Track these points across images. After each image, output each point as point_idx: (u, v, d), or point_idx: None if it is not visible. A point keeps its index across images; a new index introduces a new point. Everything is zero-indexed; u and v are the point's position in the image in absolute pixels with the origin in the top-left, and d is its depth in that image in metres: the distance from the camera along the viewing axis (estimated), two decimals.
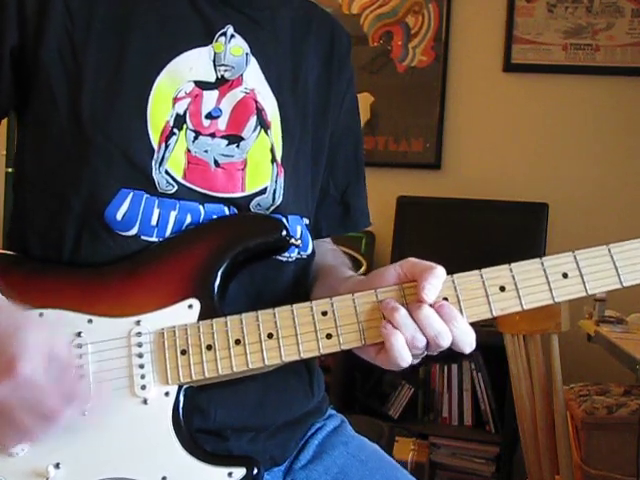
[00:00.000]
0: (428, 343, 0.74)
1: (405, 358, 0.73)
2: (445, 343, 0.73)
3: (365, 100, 2.85)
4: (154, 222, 0.82)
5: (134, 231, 0.81)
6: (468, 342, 0.74)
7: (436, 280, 0.74)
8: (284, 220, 0.88)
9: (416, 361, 0.76)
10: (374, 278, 0.80)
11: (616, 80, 2.68)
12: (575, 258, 0.76)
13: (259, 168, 0.88)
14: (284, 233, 0.83)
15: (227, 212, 0.86)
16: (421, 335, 0.73)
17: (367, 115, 2.86)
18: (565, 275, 0.75)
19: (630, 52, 2.68)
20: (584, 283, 0.75)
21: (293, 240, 0.85)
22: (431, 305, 0.74)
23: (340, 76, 1.01)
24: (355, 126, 1.07)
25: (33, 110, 0.84)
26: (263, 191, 0.88)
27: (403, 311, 0.74)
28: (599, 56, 2.70)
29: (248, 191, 0.87)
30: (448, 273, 0.77)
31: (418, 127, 2.85)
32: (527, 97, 2.76)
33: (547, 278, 0.75)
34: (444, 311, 0.74)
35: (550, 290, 0.75)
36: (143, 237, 0.82)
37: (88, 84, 0.81)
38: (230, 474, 0.75)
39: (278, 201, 0.88)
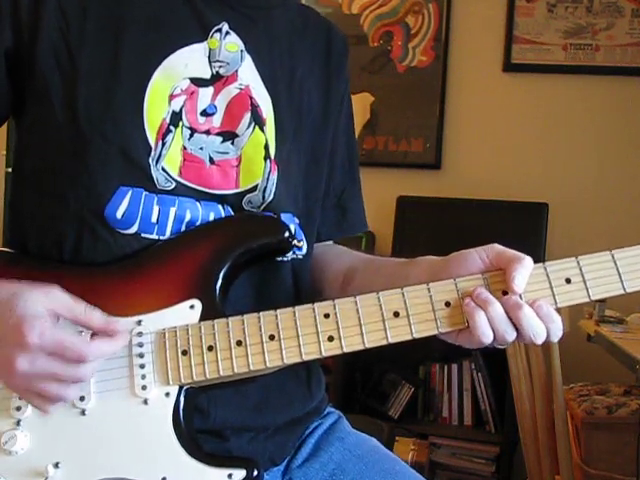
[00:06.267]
0: (517, 337, 0.74)
1: (488, 335, 0.73)
2: (540, 341, 0.74)
3: (365, 100, 2.83)
4: (154, 219, 0.82)
5: (134, 229, 0.81)
6: (558, 335, 0.75)
7: (526, 271, 0.74)
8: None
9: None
10: (454, 264, 0.79)
11: (616, 80, 2.68)
12: (578, 263, 0.75)
13: (252, 165, 0.87)
14: (287, 234, 0.83)
15: (221, 209, 0.86)
16: (512, 330, 0.73)
17: (367, 115, 2.84)
18: (568, 280, 0.75)
19: (630, 52, 2.67)
20: (587, 289, 0.75)
21: (296, 242, 0.85)
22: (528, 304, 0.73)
23: (339, 78, 1.01)
24: (351, 129, 1.07)
25: (30, 111, 0.84)
26: (254, 188, 0.87)
27: (498, 306, 0.73)
28: (599, 56, 2.69)
29: (241, 188, 0.87)
30: None
31: (418, 127, 2.84)
32: (527, 97, 2.76)
33: (550, 283, 0.75)
34: (543, 312, 0.73)
35: (553, 295, 0.75)
36: (143, 235, 0.81)
37: (84, 84, 0.81)
38: (230, 475, 0.75)
39: (269, 199, 0.88)
